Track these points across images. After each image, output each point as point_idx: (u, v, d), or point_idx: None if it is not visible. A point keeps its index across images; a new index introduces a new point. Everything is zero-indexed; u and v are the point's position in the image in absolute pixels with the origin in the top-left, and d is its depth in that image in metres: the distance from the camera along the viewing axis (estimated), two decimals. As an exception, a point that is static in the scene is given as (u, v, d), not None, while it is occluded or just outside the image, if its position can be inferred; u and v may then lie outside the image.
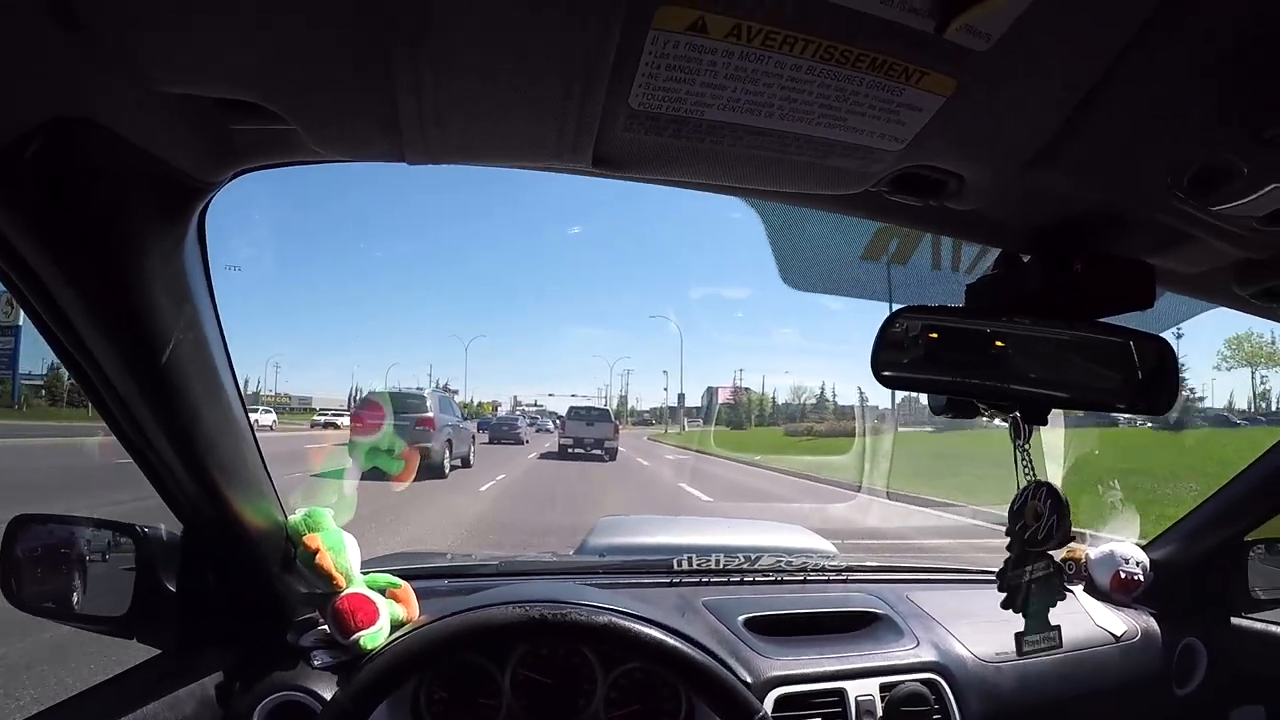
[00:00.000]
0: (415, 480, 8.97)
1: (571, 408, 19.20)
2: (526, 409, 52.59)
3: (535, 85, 0.48)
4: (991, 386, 0.75)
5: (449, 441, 10.63)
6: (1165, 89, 0.49)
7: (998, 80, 0.48)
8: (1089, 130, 0.53)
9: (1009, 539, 0.84)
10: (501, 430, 23.00)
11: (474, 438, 12.90)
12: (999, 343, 0.73)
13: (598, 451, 16.47)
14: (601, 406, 23.30)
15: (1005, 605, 0.86)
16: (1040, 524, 0.83)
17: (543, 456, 16.64)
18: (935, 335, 0.73)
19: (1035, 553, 0.84)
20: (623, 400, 65.93)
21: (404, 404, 10.63)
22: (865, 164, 0.58)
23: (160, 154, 0.57)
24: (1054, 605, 0.87)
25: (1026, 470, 0.83)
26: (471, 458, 11.98)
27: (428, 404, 10.79)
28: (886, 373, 0.72)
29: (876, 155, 0.57)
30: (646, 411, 73.79)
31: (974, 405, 0.80)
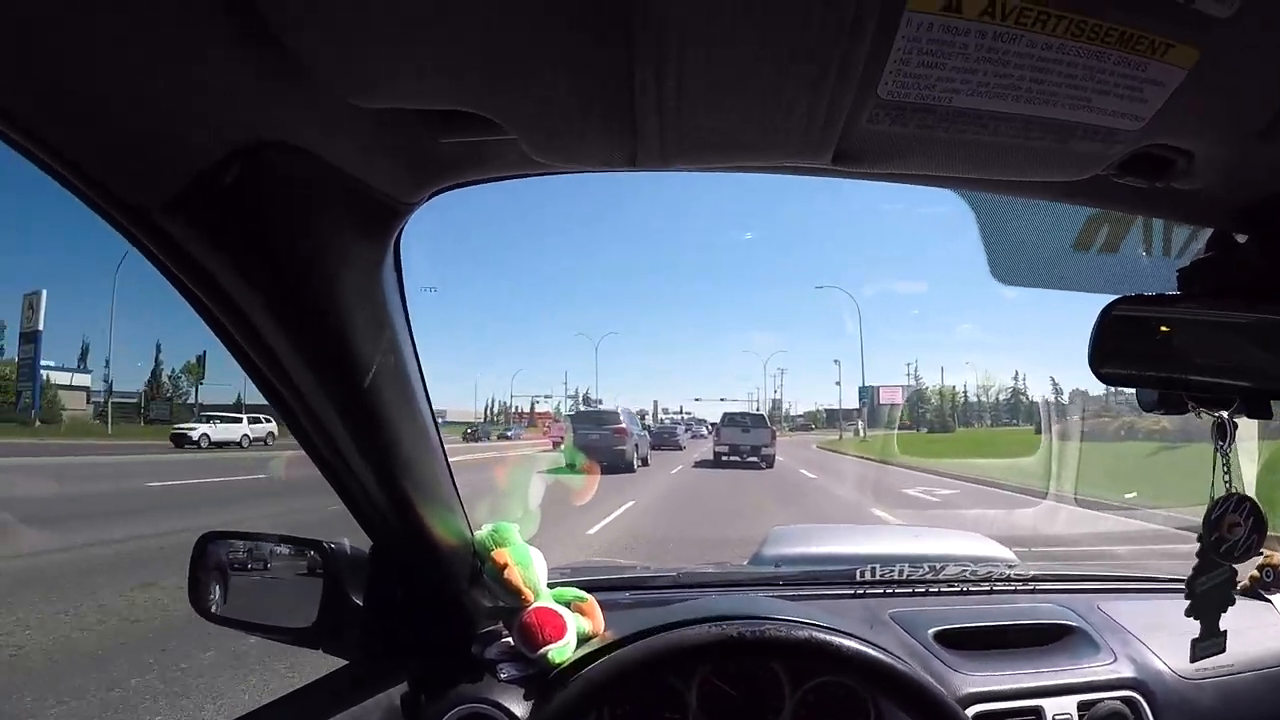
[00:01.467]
0: (614, 474, 12.27)
1: (725, 414, 18.15)
2: (672, 416, 49.39)
3: (784, 79, 0.46)
4: (1210, 380, 0.70)
5: (636, 446, 14.61)
6: None
7: (1239, 49, 0.46)
8: None
9: (1200, 546, 0.81)
10: (663, 438, 24.34)
11: (649, 444, 17.07)
12: (1216, 330, 0.69)
13: (754, 459, 15.94)
14: (756, 412, 21.56)
15: (1188, 613, 0.85)
16: (1236, 538, 0.80)
17: (698, 464, 16.60)
18: (1149, 325, 0.69)
19: (1220, 563, 0.82)
20: (776, 404, 57.51)
21: (602, 418, 15.18)
22: (1105, 146, 0.55)
23: (362, 176, 0.57)
24: (1225, 610, 0.85)
25: (1226, 478, 0.79)
26: (649, 459, 15.67)
27: (621, 418, 14.98)
28: (1105, 369, 0.69)
29: (1116, 135, 0.53)
30: (800, 416, 65.71)
31: (1184, 400, 0.76)
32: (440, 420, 0.89)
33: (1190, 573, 0.82)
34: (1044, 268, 0.84)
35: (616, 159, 0.56)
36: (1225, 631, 0.85)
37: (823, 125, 0.50)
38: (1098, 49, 0.45)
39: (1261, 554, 1.21)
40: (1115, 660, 1.08)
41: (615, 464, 12.98)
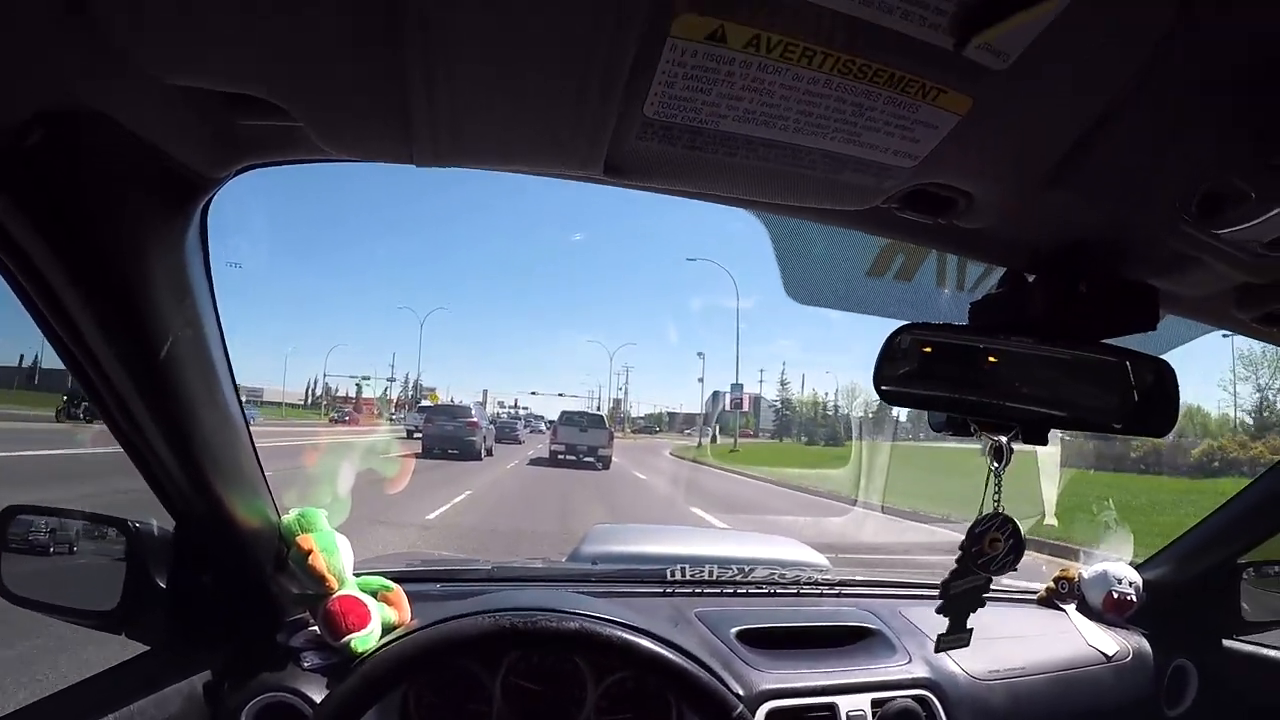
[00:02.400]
0: (463, 460, 14.00)
1: (563, 413, 17.99)
2: (508, 410, 48.33)
3: (550, 89, 0.48)
4: (992, 405, 0.75)
5: (484, 437, 16.08)
6: (1176, 112, 0.50)
7: (1013, 100, 0.48)
8: (1099, 152, 0.53)
9: (960, 554, 0.86)
10: (504, 432, 24.62)
11: (494, 435, 18.86)
12: (1000, 361, 0.74)
13: (590, 459, 16.03)
14: (595, 412, 21.75)
15: (939, 611, 0.91)
16: (996, 553, 0.86)
17: (533, 461, 16.59)
18: (937, 353, 0.73)
19: (975, 571, 0.88)
20: (617, 403, 54.31)
21: (456, 412, 16.40)
22: (878, 180, 0.58)
23: (164, 147, 0.56)
24: (973, 611, 0.91)
25: (996, 497, 0.85)
26: (494, 450, 17.12)
27: (473, 412, 16.51)
28: (887, 388, 0.72)
29: (890, 172, 0.56)
30: (642, 418, 63.64)
31: (968, 423, 0.81)
32: (256, 400, 0.88)
33: (947, 575, 0.87)
34: (839, 291, 0.88)
35: (395, 155, 0.57)
36: (971, 629, 0.91)
37: (590, 138, 0.52)
38: (867, 88, 0.47)
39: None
40: (910, 661, 1.14)
41: (467, 452, 14.62)
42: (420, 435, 16.89)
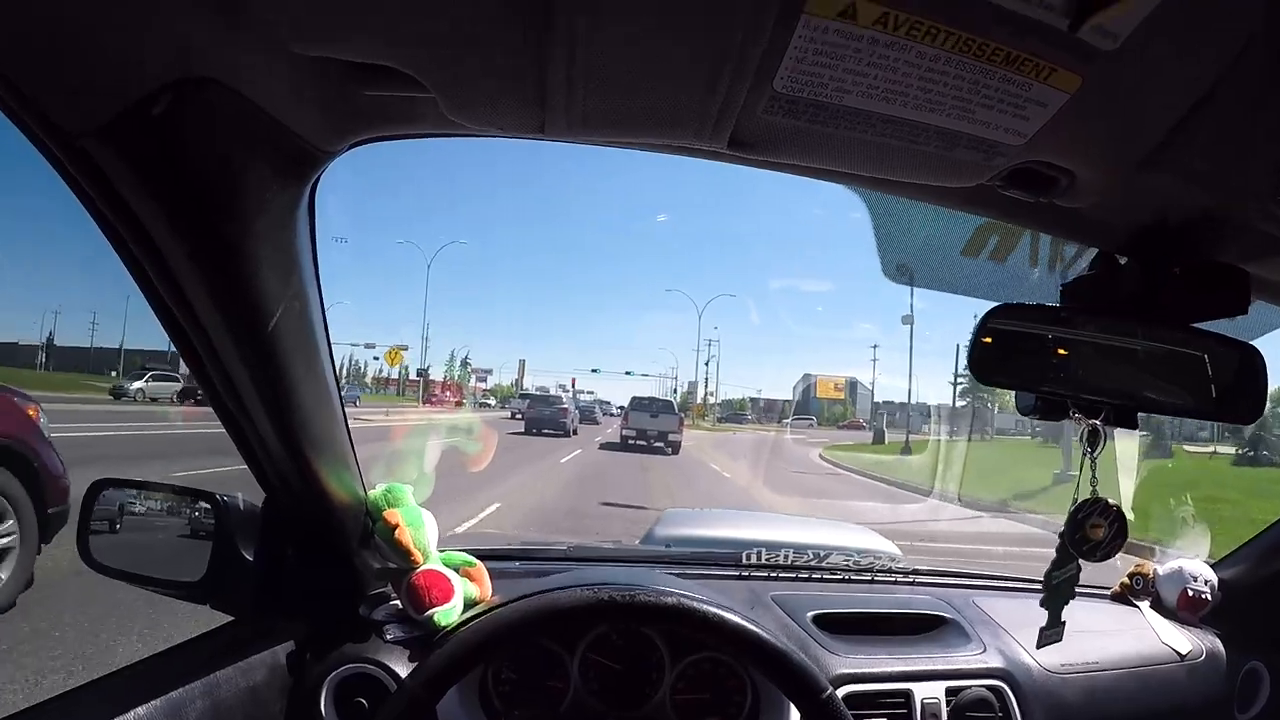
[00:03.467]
0: (557, 437, 18.98)
1: (634, 398, 18.74)
2: (569, 393, 38.47)
3: (685, 62, 0.49)
4: (1083, 387, 0.75)
5: (573, 419, 21.22)
6: (1271, 95, 0.51)
7: (1119, 81, 0.49)
8: (1199, 134, 0.54)
9: (1061, 541, 0.85)
10: (586, 415, 27.55)
11: (579, 417, 23.31)
12: (1090, 343, 0.73)
13: (660, 445, 16.32)
14: (665, 398, 21.65)
15: (1043, 604, 0.89)
16: (1099, 538, 0.84)
17: (603, 446, 17.22)
18: (1029, 333, 0.73)
19: (1074, 558, 0.87)
20: (691, 386, 44.22)
21: (550, 400, 22.91)
22: (987, 157, 0.59)
23: (284, 119, 0.57)
24: (1068, 603, 0.90)
25: (1094, 481, 0.84)
26: (579, 430, 21.37)
27: (564, 402, 22.95)
28: (982, 371, 0.73)
29: (999, 149, 0.57)
30: (718, 404, 50.06)
31: (1064, 407, 0.80)
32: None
33: (1049, 566, 0.86)
34: (934, 271, 0.87)
35: (526, 126, 0.58)
36: (1064, 622, 0.90)
37: (720, 111, 0.54)
38: (984, 66, 0.48)
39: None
40: (985, 651, 1.13)
41: (560, 430, 19.63)
42: (522, 416, 22.58)
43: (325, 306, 0.78)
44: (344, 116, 0.61)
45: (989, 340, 0.71)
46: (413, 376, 45.95)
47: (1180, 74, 0.49)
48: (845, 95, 0.51)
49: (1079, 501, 0.84)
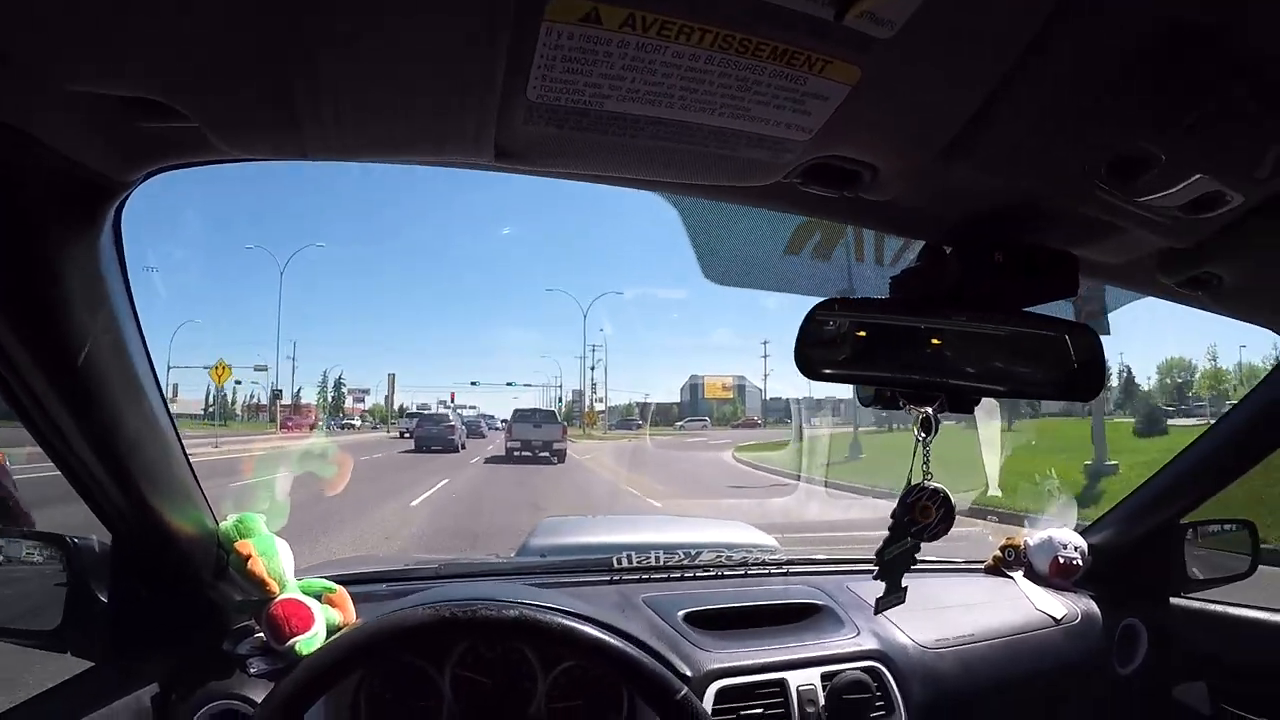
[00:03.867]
0: (443, 453, 18.92)
1: (517, 410, 18.66)
2: (450, 408, 36.97)
3: (431, 79, 0.49)
4: (917, 379, 0.77)
5: (460, 435, 21.21)
6: (1080, 78, 0.49)
7: (903, 70, 0.48)
8: (1002, 120, 0.53)
9: (893, 522, 0.89)
10: (472, 429, 27.17)
11: (465, 432, 23.10)
12: (922, 333, 0.75)
13: (545, 454, 16.41)
14: (547, 409, 22.79)
15: (877, 577, 0.93)
16: (928, 523, 0.89)
17: (487, 460, 16.89)
18: (859, 328, 0.74)
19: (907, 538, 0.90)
20: (576, 396, 43.32)
21: (438, 419, 22.95)
22: (774, 154, 0.58)
23: (70, 154, 0.57)
24: (906, 572, 0.94)
25: (926, 467, 0.88)
26: (466, 445, 21.45)
27: (451, 419, 23.11)
28: (810, 366, 0.73)
29: (785, 145, 0.56)
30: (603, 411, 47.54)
31: (896, 396, 0.82)
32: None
33: (881, 543, 0.90)
34: (757, 271, 0.89)
35: (289, 149, 0.58)
36: (906, 588, 0.94)
37: (477, 124, 0.53)
38: (751, 62, 0.47)
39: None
40: (859, 634, 1.16)
41: (449, 447, 19.84)
42: (410, 435, 22.63)
43: (145, 336, 0.77)
44: (131, 148, 0.60)
45: (813, 337, 0.72)
46: (285, 400, 43.90)
47: (971, 58, 0.48)
48: (605, 100, 0.50)
49: (910, 485, 0.87)
